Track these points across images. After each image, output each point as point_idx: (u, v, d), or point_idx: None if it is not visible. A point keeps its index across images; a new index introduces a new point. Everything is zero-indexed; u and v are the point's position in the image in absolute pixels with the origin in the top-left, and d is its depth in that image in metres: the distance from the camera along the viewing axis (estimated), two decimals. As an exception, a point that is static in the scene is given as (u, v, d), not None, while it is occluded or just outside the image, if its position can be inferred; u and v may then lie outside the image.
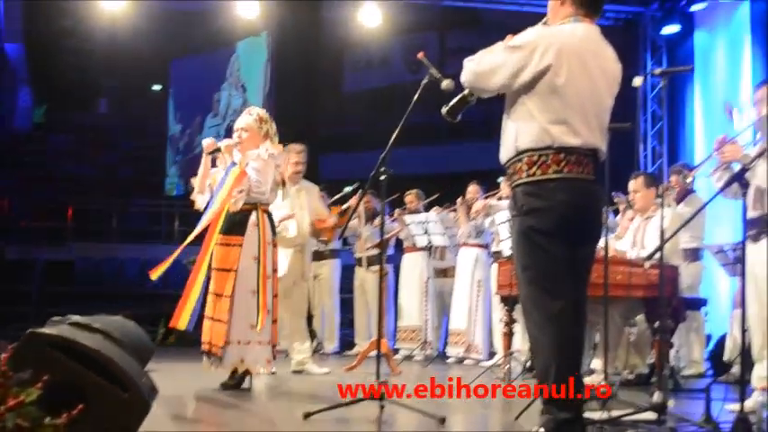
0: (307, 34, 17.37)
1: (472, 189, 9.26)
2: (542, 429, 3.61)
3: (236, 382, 5.90)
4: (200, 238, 5.79)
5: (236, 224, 5.83)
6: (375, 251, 9.33)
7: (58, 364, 3.27)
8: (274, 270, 5.99)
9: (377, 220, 9.77)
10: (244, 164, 5.82)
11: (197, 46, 18.72)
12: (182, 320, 5.74)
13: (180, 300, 5.81)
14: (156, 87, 22.25)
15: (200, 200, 6.43)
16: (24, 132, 21.27)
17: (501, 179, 8.87)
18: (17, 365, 3.02)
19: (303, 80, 18.07)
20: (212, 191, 5.98)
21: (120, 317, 3.96)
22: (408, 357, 9.11)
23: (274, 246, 6.00)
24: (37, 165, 20.53)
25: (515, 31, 3.83)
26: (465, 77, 3.86)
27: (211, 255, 5.82)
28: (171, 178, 19.40)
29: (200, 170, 6.14)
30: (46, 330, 3.45)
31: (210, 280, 5.86)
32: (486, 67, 3.76)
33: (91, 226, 18.61)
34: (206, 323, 5.88)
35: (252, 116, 6.01)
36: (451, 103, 4.05)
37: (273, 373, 6.45)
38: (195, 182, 6.21)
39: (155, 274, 5.75)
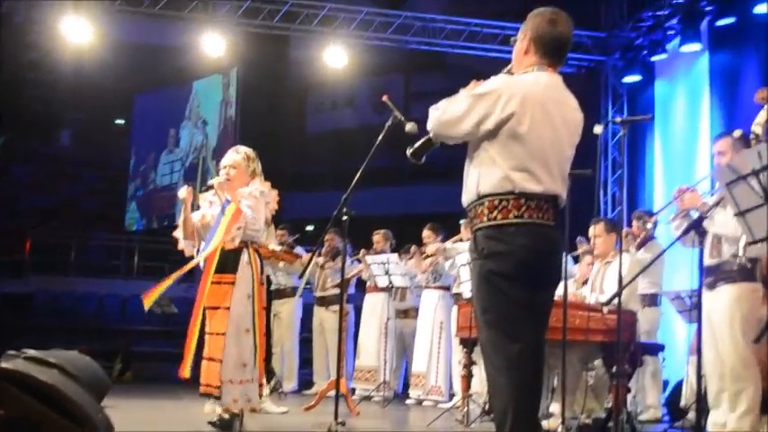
0: (272, 73, 17.46)
1: (426, 234, 9.33)
2: (500, 472, 3.61)
3: (227, 424, 5.69)
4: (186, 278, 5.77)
5: (228, 262, 5.73)
6: (335, 291, 9.31)
7: (14, 399, 3.23)
8: (265, 308, 5.95)
9: (338, 260, 9.79)
10: (236, 201, 5.76)
11: (162, 81, 18.72)
12: (186, 369, 5.70)
13: (184, 348, 5.72)
14: (120, 121, 22.19)
15: (188, 246, 6.47)
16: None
17: (462, 221, 8.94)
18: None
19: (268, 118, 18.11)
20: (200, 233, 5.91)
21: (77, 352, 3.92)
22: (366, 398, 9.07)
23: (262, 284, 5.93)
24: (-3, 196, 20.36)
25: (479, 75, 3.88)
26: (430, 126, 3.89)
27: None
28: (131, 213, 19.29)
29: (180, 218, 6.08)
30: (1, 365, 3.40)
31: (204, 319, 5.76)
32: (450, 116, 3.78)
33: (50, 258, 18.41)
34: (203, 364, 5.75)
35: (239, 154, 5.95)
36: (416, 146, 4.06)
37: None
38: (179, 232, 6.16)
39: (147, 302, 5.59)
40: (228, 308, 5.65)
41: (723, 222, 4.82)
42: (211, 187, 5.88)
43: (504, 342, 3.64)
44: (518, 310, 3.64)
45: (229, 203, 5.75)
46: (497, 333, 3.66)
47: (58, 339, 13.05)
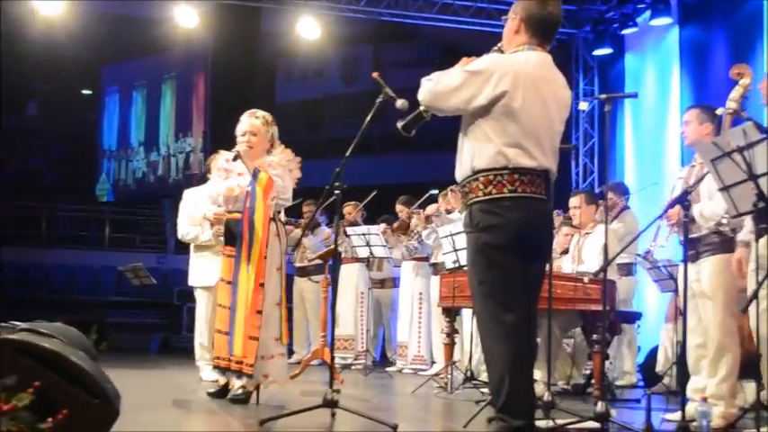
0: (243, 44, 17.41)
1: (400, 208, 9.49)
2: (496, 436, 3.76)
3: (245, 397, 5.62)
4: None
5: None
6: (315, 262, 9.42)
7: (29, 369, 3.28)
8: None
9: (318, 231, 9.90)
10: (265, 170, 5.59)
11: (132, 52, 18.59)
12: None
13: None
14: (87, 92, 22.00)
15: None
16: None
17: (436, 192, 9.07)
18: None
19: (238, 89, 18.08)
20: (228, 205, 5.78)
21: (61, 323, 3.88)
22: (346, 366, 9.22)
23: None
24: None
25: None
26: (422, 96, 4.00)
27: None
28: (101, 184, 19.22)
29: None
30: (15, 337, 3.45)
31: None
32: (442, 88, 3.90)
33: (20, 231, 18.30)
34: (216, 337, 5.72)
35: (258, 119, 5.77)
36: (407, 119, 4.17)
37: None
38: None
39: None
40: (263, 284, 5.52)
41: (705, 198, 5.00)
42: (238, 156, 5.72)
43: (499, 312, 3.78)
44: (513, 282, 3.79)
45: (259, 173, 5.57)
46: (493, 303, 3.80)
47: (30, 311, 13.04)
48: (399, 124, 4.18)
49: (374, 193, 9.67)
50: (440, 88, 3.90)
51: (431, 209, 8.75)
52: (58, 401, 3.11)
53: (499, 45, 4.14)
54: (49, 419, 2.65)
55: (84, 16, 14.43)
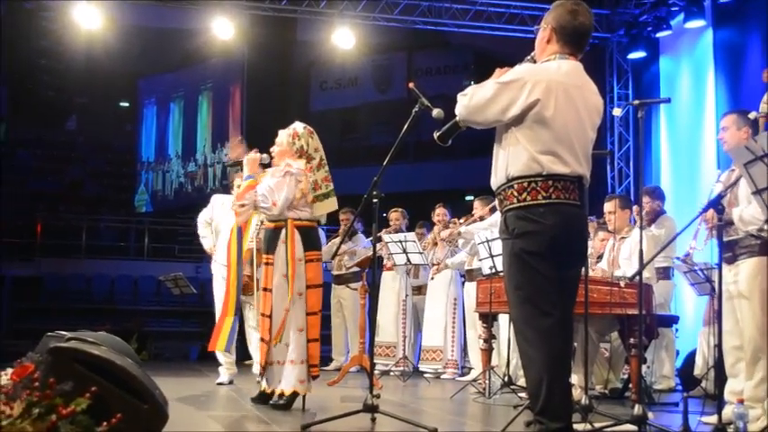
0: (279, 54, 17.57)
1: (440, 212, 9.57)
2: (534, 440, 3.82)
3: (286, 403, 5.74)
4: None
5: (269, 242, 5.81)
6: (353, 269, 9.52)
7: (83, 377, 3.40)
8: (313, 286, 5.86)
9: (355, 238, 10.00)
10: (260, 178, 5.84)
11: (169, 64, 18.80)
12: (219, 343, 5.95)
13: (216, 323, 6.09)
14: (125, 104, 22.27)
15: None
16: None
17: (475, 199, 9.13)
18: (46, 379, 3.18)
19: (274, 98, 18.23)
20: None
21: (104, 332, 3.99)
22: (385, 373, 9.30)
23: (312, 261, 5.85)
24: (5, 181, 20.47)
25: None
26: (458, 111, 4.09)
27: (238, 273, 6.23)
28: (140, 195, 19.45)
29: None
30: (69, 345, 3.57)
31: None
32: (477, 102, 3.98)
33: (60, 241, 18.58)
34: (260, 344, 5.90)
35: (288, 131, 5.97)
36: (444, 129, 4.25)
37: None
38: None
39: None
40: (270, 290, 5.73)
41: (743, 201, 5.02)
42: (268, 166, 6.00)
43: (536, 317, 3.84)
44: (548, 286, 3.84)
45: (249, 178, 5.87)
46: (530, 309, 3.86)
47: (72, 321, 13.27)
48: (436, 135, 4.26)
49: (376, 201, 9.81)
50: (474, 102, 3.98)
51: (444, 234, 8.85)
52: (111, 406, 3.20)
53: (532, 55, 4.21)
54: (104, 423, 2.75)
55: (122, 30, 14.68)
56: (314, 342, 5.81)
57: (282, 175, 5.77)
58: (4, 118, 21.39)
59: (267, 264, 5.79)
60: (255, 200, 5.71)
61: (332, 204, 5.92)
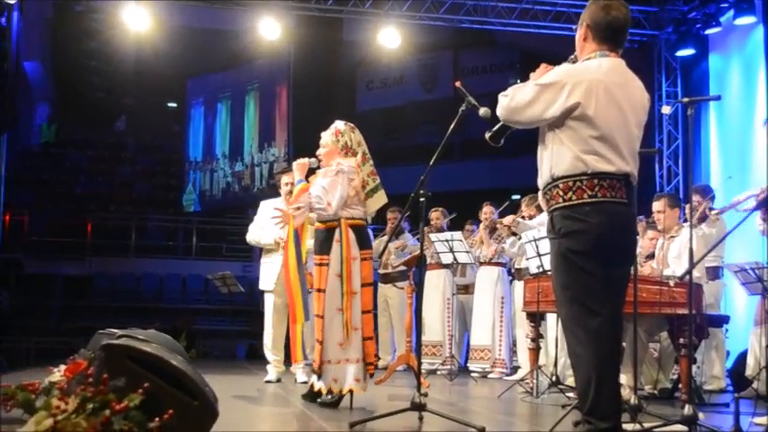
0: (325, 54, 17.63)
1: (487, 210, 9.52)
2: (582, 439, 3.80)
3: (334, 401, 5.79)
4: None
5: (322, 242, 5.81)
6: (400, 268, 9.53)
7: (135, 374, 3.44)
8: (367, 284, 5.87)
9: (402, 237, 10.01)
10: (312, 181, 5.91)
11: (215, 64, 18.94)
12: (297, 354, 6.01)
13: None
14: (172, 105, 22.49)
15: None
16: (40, 149, 21.60)
17: (522, 199, 9.09)
18: (99, 375, 3.23)
19: (320, 98, 18.31)
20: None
21: (153, 330, 4.04)
22: (432, 372, 9.30)
23: (366, 259, 5.86)
24: (56, 181, 20.81)
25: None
26: (499, 112, 4.09)
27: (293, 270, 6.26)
28: (188, 195, 19.63)
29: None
30: (122, 342, 3.62)
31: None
32: (516, 103, 3.98)
33: (110, 241, 18.83)
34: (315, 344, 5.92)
35: (330, 131, 5.98)
36: (495, 129, 4.27)
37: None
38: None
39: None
40: (325, 290, 5.73)
41: None
42: (317, 168, 6.03)
43: (584, 316, 3.82)
44: (596, 286, 3.82)
45: (302, 182, 5.95)
46: (578, 308, 3.84)
47: (121, 320, 13.45)
48: (487, 135, 4.27)
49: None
50: (514, 104, 3.99)
51: (507, 220, 8.75)
52: (162, 403, 3.24)
53: (572, 57, 4.20)
54: (156, 419, 2.78)
55: (170, 31, 14.83)
56: (369, 340, 5.84)
57: (334, 174, 5.76)
58: (55, 119, 21.75)
59: (321, 264, 5.77)
60: (310, 202, 5.72)
61: (381, 198, 5.91)
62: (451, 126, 4.99)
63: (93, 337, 4.26)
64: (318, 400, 5.84)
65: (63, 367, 4.48)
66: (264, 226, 7.90)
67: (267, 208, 7.94)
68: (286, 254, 6.28)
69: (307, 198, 5.74)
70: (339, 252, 5.74)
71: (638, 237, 7.81)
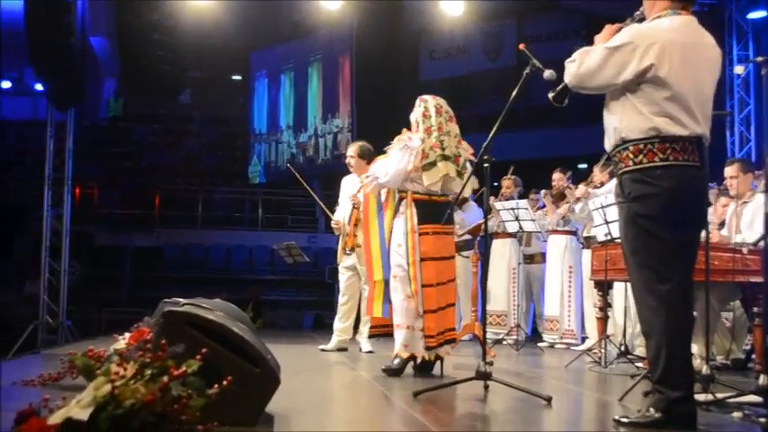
0: (387, 23, 17.47)
1: (557, 176, 9.34)
2: (653, 409, 3.70)
3: (397, 369, 5.83)
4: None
5: (397, 210, 6.05)
6: (466, 237, 9.43)
7: (197, 340, 3.44)
8: (428, 259, 5.91)
9: (465, 206, 9.89)
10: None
11: (278, 35, 18.91)
12: (375, 308, 6.07)
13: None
14: (237, 77, 22.58)
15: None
16: (108, 124, 21.90)
17: (595, 166, 8.87)
18: (158, 341, 3.22)
19: (383, 68, 18.19)
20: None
21: (220, 300, 4.10)
22: (497, 341, 9.22)
23: (428, 234, 5.90)
24: (123, 154, 21.10)
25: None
26: (567, 79, 3.97)
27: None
28: (253, 167, 19.72)
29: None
30: (182, 309, 3.62)
31: None
32: (586, 69, 3.86)
33: (178, 212, 19.06)
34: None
35: (419, 106, 6.14)
36: (557, 90, 4.16)
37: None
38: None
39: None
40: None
41: None
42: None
43: (654, 282, 3.73)
44: (667, 251, 3.72)
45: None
46: (648, 273, 3.75)
47: (189, 290, 13.59)
48: (551, 95, 4.18)
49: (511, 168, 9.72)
50: (583, 70, 3.87)
51: (580, 191, 8.55)
52: (222, 369, 3.22)
53: (638, 13, 4.05)
54: (215, 386, 2.76)
55: (232, 3, 14.83)
56: (429, 313, 5.84)
57: (400, 147, 5.94)
58: (121, 94, 22.01)
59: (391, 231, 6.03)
60: (375, 171, 6.05)
61: (437, 172, 5.87)
62: (515, 90, 4.87)
63: (158, 306, 4.29)
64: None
65: (128, 335, 4.54)
66: (341, 202, 8.24)
67: (345, 184, 8.31)
68: (366, 217, 6.30)
69: (374, 167, 6.12)
70: (403, 223, 5.92)
71: (710, 204, 7.63)
